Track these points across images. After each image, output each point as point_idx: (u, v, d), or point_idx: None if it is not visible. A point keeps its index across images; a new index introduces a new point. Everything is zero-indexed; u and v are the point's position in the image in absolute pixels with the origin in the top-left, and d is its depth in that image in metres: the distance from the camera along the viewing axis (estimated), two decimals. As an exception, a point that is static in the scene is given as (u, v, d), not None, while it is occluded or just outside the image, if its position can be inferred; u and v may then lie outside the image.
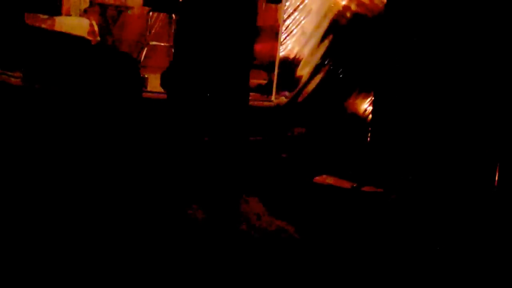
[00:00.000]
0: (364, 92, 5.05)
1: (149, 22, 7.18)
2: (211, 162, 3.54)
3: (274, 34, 5.99)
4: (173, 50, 3.62)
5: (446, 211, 4.06)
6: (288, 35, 5.75)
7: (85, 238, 3.29)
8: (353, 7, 5.26)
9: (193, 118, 3.47)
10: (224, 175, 3.52)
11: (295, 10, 5.70)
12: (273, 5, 6.35)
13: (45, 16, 6.09)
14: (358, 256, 3.50)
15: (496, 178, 4.06)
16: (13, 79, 5.05)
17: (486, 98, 4.22)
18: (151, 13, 7.10)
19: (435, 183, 4.28)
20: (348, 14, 5.30)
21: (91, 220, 3.57)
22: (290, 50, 5.73)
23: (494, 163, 4.08)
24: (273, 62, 5.89)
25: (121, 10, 7.30)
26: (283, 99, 5.58)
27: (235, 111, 3.48)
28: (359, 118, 5.03)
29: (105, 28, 7.06)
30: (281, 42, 5.79)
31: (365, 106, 5.02)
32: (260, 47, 6.28)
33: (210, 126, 3.53)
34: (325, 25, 5.44)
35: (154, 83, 5.48)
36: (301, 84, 5.47)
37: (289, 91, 5.59)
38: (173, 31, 7.01)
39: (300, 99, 5.43)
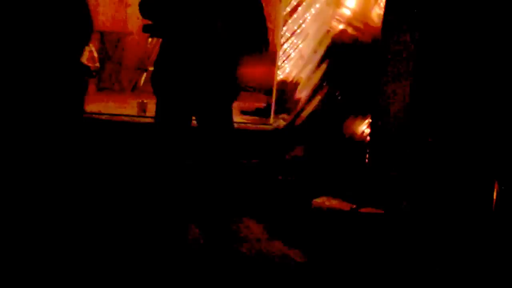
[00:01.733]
0: (361, 114, 5.08)
1: (148, 48, 7.24)
2: (205, 184, 3.56)
3: (272, 58, 6.04)
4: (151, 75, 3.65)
5: (444, 232, 4.07)
6: (286, 59, 5.80)
7: (80, 262, 3.29)
8: (350, 31, 5.32)
9: (182, 142, 3.50)
10: (220, 198, 3.53)
11: (292, 34, 5.76)
12: (270, 29, 6.39)
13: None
14: (358, 278, 3.50)
15: (494, 198, 4.07)
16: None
17: (484, 119, 4.25)
18: (150, 39, 7.17)
19: (433, 202, 4.29)
20: (345, 38, 5.35)
21: (86, 241, 3.58)
22: (288, 73, 5.78)
23: (492, 183, 4.09)
24: (271, 86, 5.93)
25: (120, 36, 7.37)
26: (281, 122, 5.60)
27: (221, 132, 3.51)
28: (357, 140, 5.05)
29: (104, 54, 7.13)
30: (279, 66, 5.84)
31: (363, 128, 5.04)
32: (258, 71, 6.32)
33: (199, 148, 3.56)
34: (322, 49, 5.49)
35: (153, 108, 5.51)
36: (299, 107, 5.50)
37: (287, 114, 5.62)
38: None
39: (298, 121, 5.45)
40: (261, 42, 3.56)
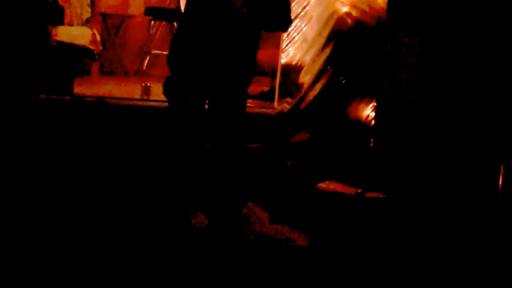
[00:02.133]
0: (366, 97, 5.06)
1: (151, 31, 7.20)
2: (213, 168, 3.54)
3: (275, 41, 6.00)
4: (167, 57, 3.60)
5: (450, 216, 4.06)
6: (289, 42, 5.77)
7: (84, 246, 3.29)
8: (354, 13, 5.28)
9: (194, 125, 3.47)
10: (227, 181, 3.51)
11: (296, 17, 5.72)
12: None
13: (47, 26, 6.12)
14: (363, 262, 3.50)
15: (500, 183, 4.06)
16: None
17: (489, 102, 4.23)
18: (152, 22, 7.13)
19: (438, 187, 4.28)
20: (349, 21, 5.31)
21: (90, 224, 3.59)
22: (292, 57, 5.75)
23: (498, 167, 4.08)
24: (275, 69, 5.91)
25: (123, 19, 7.33)
26: (285, 106, 5.58)
27: (234, 117, 3.48)
28: (362, 124, 5.04)
29: (107, 37, 7.09)
30: (283, 49, 5.81)
31: (368, 111, 5.02)
32: (262, 54, 6.28)
33: (211, 132, 3.53)
34: (326, 32, 5.46)
35: (157, 92, 5.50)
36: (303, 91, 5.48)
37: (292, 97, 5.60)
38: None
39: (302, 105, 5.43)
40: (285, 20, 3.49)
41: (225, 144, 3.48)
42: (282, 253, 3.58)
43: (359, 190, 4.47)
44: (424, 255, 3.59)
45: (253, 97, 5.93)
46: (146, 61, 7.02)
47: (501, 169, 4.03)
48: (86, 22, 6.76)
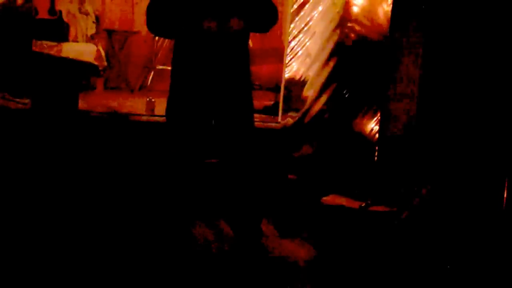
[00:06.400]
0: (370, 111, 5.07)
1: (156, 47, 7.25)
2: (230, 183, 3.55)
3: (279, 56, 6.03)
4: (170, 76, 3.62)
5: (454, 230, 4.05)
6: (293, 57, 5.79)
7: (84, 261, 3.30)
8: (357, 28, 5.30)
9: (197, 140, 3.49)
10: (246, 196, 3.52)
11: (299, 32, 5.75)
12: (277, 28, 6.40)
13: (53, 43, 6.18)
14: (367, 276, 3.49)
15: (505, 197, 4.05)
16: (20, 105, 5.13)
17: (495, 116, 4.23)
18: (157, 38, 7.17)
19: (443, 202, 4.27)
20: (352, 35, 5.34)
21: (91, 237, 3.60)
22: (295, 71, 5.76)
23: (502, 182, 4.07)
24: (279, 84, 5.93)
25: (127, 35, 7.38)
26: (289, 120, 5.59)
27: (243, 131, 3.50)
28: (366, 137, 5.04)
29: (112, 53, 7.14)
30: (286, 63, 5.82)
31: (372, 125, 5.03)
32: (266, 69, 6.32)
33: (217, 147, 3.54)
34: (329, 46, 5.48)
35: (161, 107, 5.52)
36: (307, 105, 5.49)
37: (295, 111, 5.62)
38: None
39: (306, 119, 5.44)
40: (270, 23, 3.54)
41: (238, 157, 3.49)
42: (286, 267, 3.57)
43: (363, 204, 4.46)
44: (427, 269, 3.58)
45: (257, 111, 5.92)
46: (151, 77, 7.06)
47: (506, 183, 4.02)
48: (91, 39, 6.82)
